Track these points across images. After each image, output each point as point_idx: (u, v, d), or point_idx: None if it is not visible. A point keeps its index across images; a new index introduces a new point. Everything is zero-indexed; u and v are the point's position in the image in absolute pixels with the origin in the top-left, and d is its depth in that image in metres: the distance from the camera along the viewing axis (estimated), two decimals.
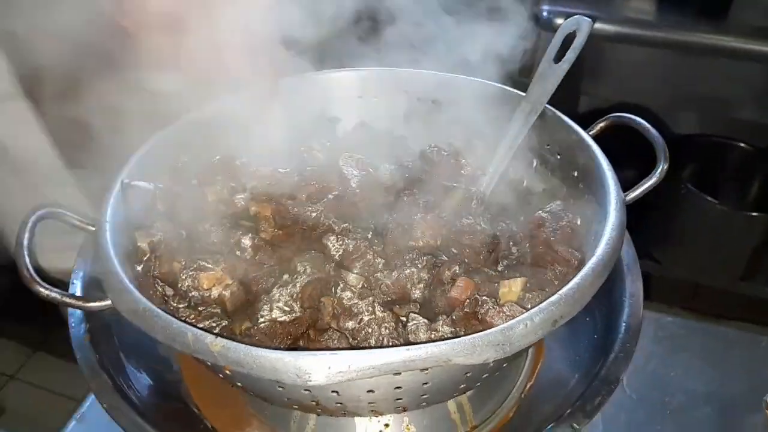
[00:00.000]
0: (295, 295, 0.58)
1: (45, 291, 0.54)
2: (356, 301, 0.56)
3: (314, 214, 0.65)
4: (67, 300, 0.55)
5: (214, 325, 0.56)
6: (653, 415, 0.74)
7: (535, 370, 0.71)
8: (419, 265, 0.59)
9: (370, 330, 0.55)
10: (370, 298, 0.56)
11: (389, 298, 0.58)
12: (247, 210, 0.67)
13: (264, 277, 0.60)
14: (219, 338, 0.47)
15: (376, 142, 0.78)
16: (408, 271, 0.58)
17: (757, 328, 0.89)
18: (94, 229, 0.60)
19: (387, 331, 0.55)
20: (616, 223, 0.56)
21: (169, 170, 0.69)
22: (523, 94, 0.73)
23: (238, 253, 0.62)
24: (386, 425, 0.64)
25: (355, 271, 0.59)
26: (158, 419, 0.61)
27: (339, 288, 0.57)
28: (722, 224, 1.87)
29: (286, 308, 0.58)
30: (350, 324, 0.55)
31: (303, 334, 0.56)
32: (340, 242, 0.61)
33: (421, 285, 0.58)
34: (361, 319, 0.55)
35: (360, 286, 0.58)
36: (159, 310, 0.50)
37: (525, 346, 0.47)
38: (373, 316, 0.55)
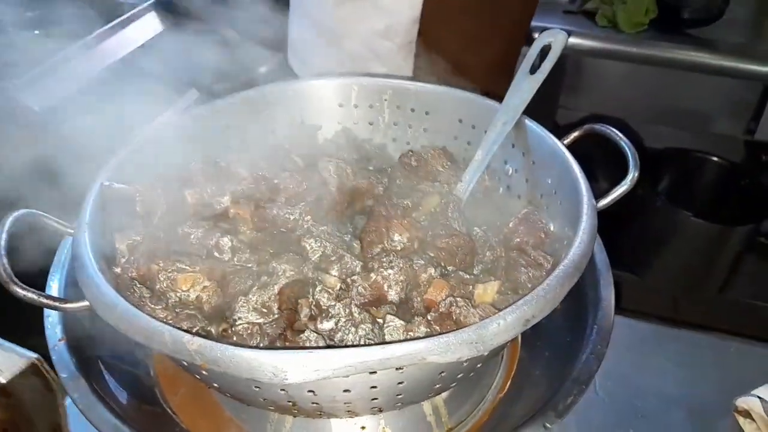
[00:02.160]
0: (272, 296, 0.58)
1: (22, 291, 0.54)
2: (333, 302, 0.57)
3: (292, 217, 0.65)
4: (44, 300, 0.55)
5: (192, 326, 0.57)
6: (625, 417, 0.75)
7: (511, 372, 0.72)
8: (396, 268, 0.60)
9: (347, 331, 0.56)
10: (347, 300, 0.57)
11: (366, 300, 0.59)
12: (225, 212, 0.68)
13: (242, 279, 0.60)
14: (195, 337, 0.47)
15: (355, 149, 0.80)
16: (385, 273, 0.59)
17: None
18: (72, 231, 0.61)
19: (364, 332, 0.56)
20: (588, 228, 0.57)
21: (149, 173, 0.70)
22: (500, 104, 0.75)
23: (216, 254, 0.62)
24: (363, 428, 0.65)
25: (333, 273, 0.60)
26: (135, 422, 0.61)
27: (316, 290, 0.58)
28: (698, 237, 1.90)
29: (264, 310, 0.58)
30: (327, 325, 0.56)
31: (280, 336, 0.57)
32: (318, 244, 0.62)
33: (398, 287, 0.59)
34: (338, 321, 0.56)
35: (337, 288, 0.59)
36: (136, 310, 0.50)
37: (498, 345, 0.49)
38: (350, 317, 0.56)
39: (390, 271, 0.60)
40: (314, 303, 0.58)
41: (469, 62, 0.99)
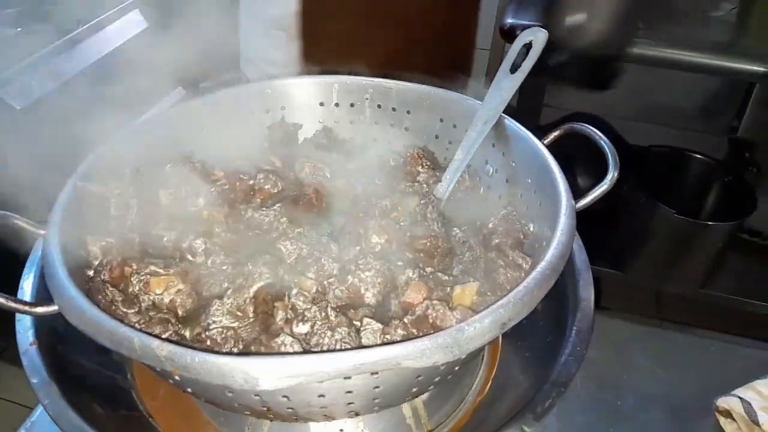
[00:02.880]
0: (247, 299, 0.57)
1: None
2: (309, 305, 0.56)
3: (267, 219, 0.64)
4: (12, 304, 0.54)
5: (164, 331, 0.56)
6: (606, 417, 0.75)
7: (491, 374, 0.71)
8: (373, 270, 0.59)
9: (323, 335, 0.55)
10: (323, 303, 0.56)
11: (343, 303, 0.58)
12: (200, 214, 0.67)
13: (216, 282, 0.59)
14: (165, 343, 0.46)
15: (335, 149, 0.79)
16: (362, 275, 0.59)
17: (713, 333, 0.91)
18: (43, 232, 0.59)
19: (340, 336, 0.55)
20: (566, 229, 0.57)
21: (123, 173, 0.69)
22: (481, 103, 0.75)
23: (190, 257, 0.61)
24: (341, 430, 0.64)
25: (310, 276, 0.59)
26: (109, 428, 0.60)
27: (292, 293, 0.57)
28: (681, 233, 1.91)
29: (239, 313, 0.57)
30: (303, 329, 0.55)
31: (255, 340, 0.56)
32: (294, 247, 0.61)
33: (375, 290, 0.59)
34: (314, 324, 0.55)
35: (314, 290, 0.58)
36: (105, 315, 0.49)
37: (474, 349, 0.48)
38: (327, 320, 0.55)
39: (367, 273, 0.59)
40: (290, 306, 0.57)
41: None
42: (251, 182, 0.69)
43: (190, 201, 0.67)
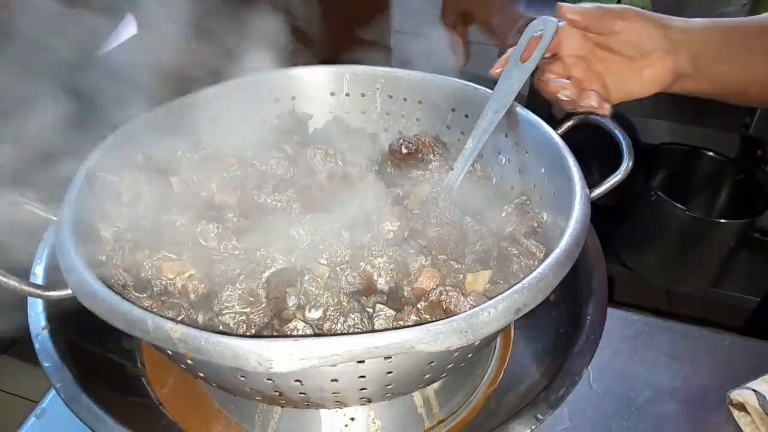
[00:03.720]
0: (260, 284, 0.57)
1: (2, 279, 0.52)
2: (322, 291, 0.56)
3: (280, 204, 0.64)
4: (26, 288, 0.54)
5: (177, 315, 0.56)
6: (619, 410, 0.74)
7: (503, 365, 0.71)
8: (386, 257, 0.59)
9: (335, 321, 0.55)
10: (336, 289, 0.56)
11: (355, 289, 0.58)
12: (212, 199, 0.67)
13: (229, 267, 0.59)
14: (179, 325, 0.46)
15: (346, 138, 0.79)
16: (375, 262, 0.58)
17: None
18: (56, 218, 0.59)
19: (353, 321, 0.54)
20: (580, 217, 0.56)
21: (135, 161, 0.69)
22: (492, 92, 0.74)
23: (202, 242, 0.61)
24: (352, 419, 0.64)
25: (322, 262, 0.59)
26: (120, 413, 0.60)
27: (305, 278, 0.57)
28: (692, 231, 1.90)
29: (251, 298, 0.57)
30: (315, 314, 0.55)
31: (267, 325, 0.56)
32: (307, 233, 0.61)
33: (388, 276, 0.58)
34: (327, 310, 0.55)
35: (326, 276, 0.58)
36: (119, 298, 0.49)
37: (488, 334, 0.48)
38: (339, 306, 0.55)
39: (380, 259, 0.59)
40: (303, 292, 0.57)
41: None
42: (263, 168, 0.69)
43: (203, 187, 0.67)
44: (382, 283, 0.58)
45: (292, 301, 0.56)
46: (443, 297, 0.54)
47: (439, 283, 0.57)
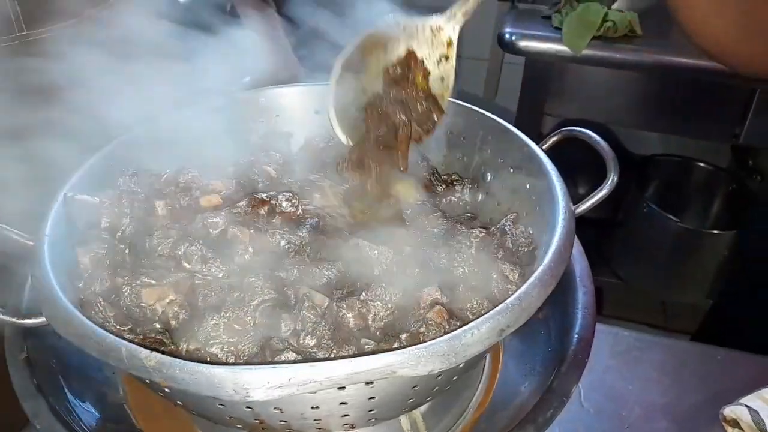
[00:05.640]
0: (247, 312, 0.56)
1: None
2: (320, 320, 0.55)
3: (294, 246, 0.63)
4: (1, 316, 0.53)
5: (159, 348, 0.54)
6: (611, 429, 0.73)
7: (492, 386, 0.70)
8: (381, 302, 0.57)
9: (329, 350, 0.53)
10: (333, 319, 0.55)
11: (351, 326, 0.56)
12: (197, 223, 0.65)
13: (211, 292, 0.58)
14: (154, 353, 0.45)
15: (326, 158, 0.77)
16: (372, 305, 0.57)
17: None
18: (32, 243, 0.58)
19: (347, 353, 0.53)
20: (564, 233, 0.56)
21: (115, 184, 0.68)
22: (482, 111, 0.74)
23: (186, 264, 0.60)
24: None
25: (321, 291, 0.58)
26: None
27: (304, 305, 0.56)
28: (685, 242, 1.90)
29: (237, 327, 0.56)
30: (310, 342, 0.54)
31: (256, 356, 0.54)
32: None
33: (382, 323, 0.57)
34: (322, 339, 0.53)
35: (324, 306, 0.56)
36: (93, 325, 0.48)
37: (471, 356, 0.47)
38: (334, 337, 0.54)
39: (378, 303, 0.57)
40: (300, 318, 0.55)
41: None
42: (272, 201, 0.66)
43: (187, 209, 0.66)
44: (376, 323, 0.57)
45: (285, 327, 0.54)
46: (422, 329, 0.53)
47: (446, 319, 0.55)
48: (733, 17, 0.68)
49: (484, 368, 0.72)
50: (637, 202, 1.90)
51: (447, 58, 0.68)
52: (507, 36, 1.68)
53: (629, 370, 0.80)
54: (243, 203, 0.66)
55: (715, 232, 1.86)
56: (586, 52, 1.63)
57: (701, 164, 2.03)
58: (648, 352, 0.83)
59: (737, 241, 1.82)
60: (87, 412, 0.62)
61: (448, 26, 0.66)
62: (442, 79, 0.68)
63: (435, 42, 0.67)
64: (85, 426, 0.59)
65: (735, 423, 0.72)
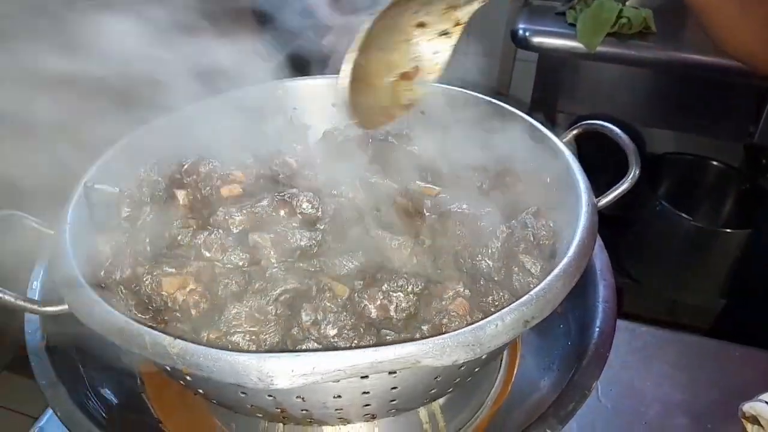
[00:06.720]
0: (270, 301, 0.55)
1: None
2: (341, 310, 0.54)
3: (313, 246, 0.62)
4: (21, 303, 0.53)
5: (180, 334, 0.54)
6: (629, 425, 0.73)
7: (511, 377, 0.69)
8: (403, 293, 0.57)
9: (350, 340, 0.53)
10: (354, 309, 0.54)
11: (372, 317, 0.56)
12: (216, 212, 0.65)
13: (231, 281, 0.57)
14: (177, 340, 0.45)
15: (347, 151, 0.77)
16: (394, 296, 0.56)
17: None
18: (53, 232, 0.58)
19: (367, 343, 0.53)
20: (587, 226, 0.55)
21: (135, 174, 0.68)
22: (499, 102, 0.74)
23: (206, 253, 0.59)
24: None
25: (342, 282, 0.57)
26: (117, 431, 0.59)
27: (325, 295, 0.55)
28: (698, 241, 1.89)
29: (259, 316, 0.55)
30: (331, 332, 0.53)
31: (277, 344, 0.54)
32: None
33: (404, 314, 0.56)
34: (343, 329, 0.53)
35: (345, 296, 0.56)
36: (116, 312, 0.48)
37: (496, 347, 0.46)
38: (355, 328, 0.53)
39: (399, 293, 0.57)
40: (321, 308, 0.55)
41: None
42: (293, 202, 0.65)
43: (207, 198, 0.66)
44: (397, 314, 0.56)
45: (306, 316, 0.54)
46: (444, 321, 0.53)
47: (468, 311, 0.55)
48: (760, 20, 0.67)
49: (501, 361, 0.72)
50: (650, 200, 1.89)
51: (449, 34, 0.67)
52: (521, 32, 1.67)
53: (646, 366, 0.80)
54: (264, 203, 0.65)
55: (728, 231, 1.84)
56: (600, 48, 1.62)
57: (714, 163, 2.02)
58: (665, 349, 0.82)
59: (750, 240, 1.80)
60: (106, 400, 0.62)
61: (464, 10, 0.65)
62: (436, 53, 0.67)
63: (444, 17, 0.66)
64: (104, 414, 0.59)
65: (755, 419, 0.72)
